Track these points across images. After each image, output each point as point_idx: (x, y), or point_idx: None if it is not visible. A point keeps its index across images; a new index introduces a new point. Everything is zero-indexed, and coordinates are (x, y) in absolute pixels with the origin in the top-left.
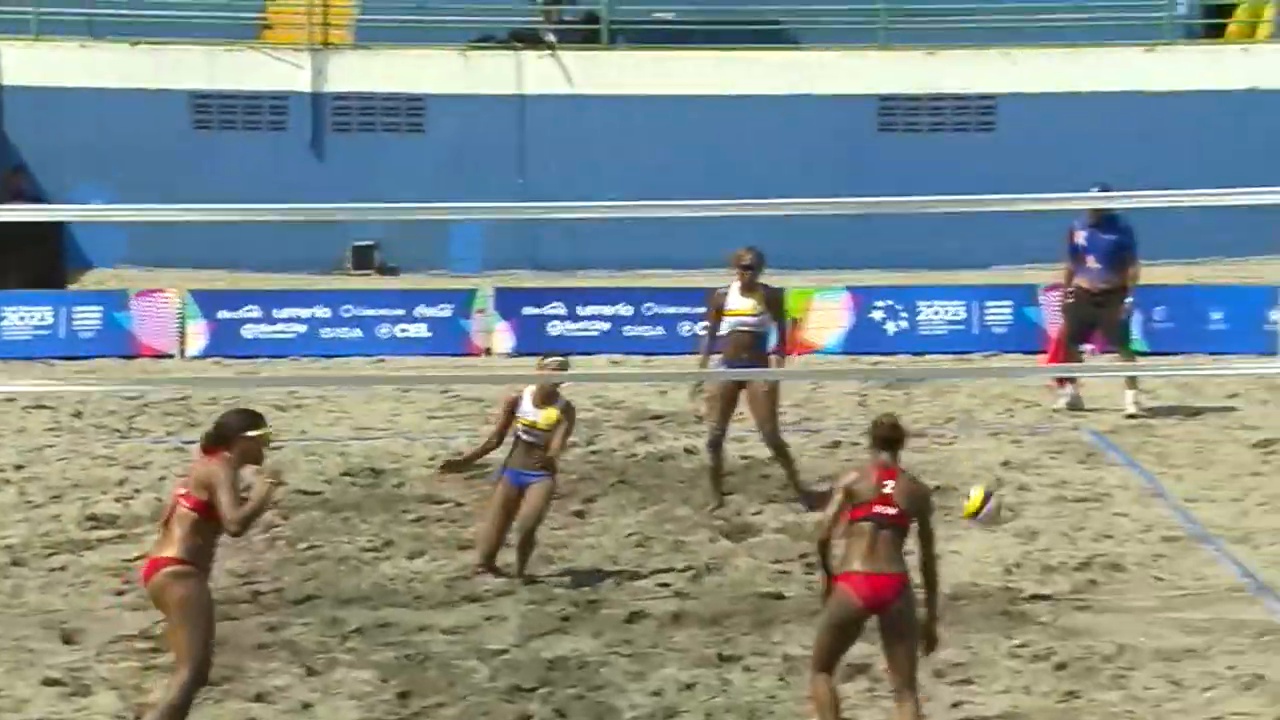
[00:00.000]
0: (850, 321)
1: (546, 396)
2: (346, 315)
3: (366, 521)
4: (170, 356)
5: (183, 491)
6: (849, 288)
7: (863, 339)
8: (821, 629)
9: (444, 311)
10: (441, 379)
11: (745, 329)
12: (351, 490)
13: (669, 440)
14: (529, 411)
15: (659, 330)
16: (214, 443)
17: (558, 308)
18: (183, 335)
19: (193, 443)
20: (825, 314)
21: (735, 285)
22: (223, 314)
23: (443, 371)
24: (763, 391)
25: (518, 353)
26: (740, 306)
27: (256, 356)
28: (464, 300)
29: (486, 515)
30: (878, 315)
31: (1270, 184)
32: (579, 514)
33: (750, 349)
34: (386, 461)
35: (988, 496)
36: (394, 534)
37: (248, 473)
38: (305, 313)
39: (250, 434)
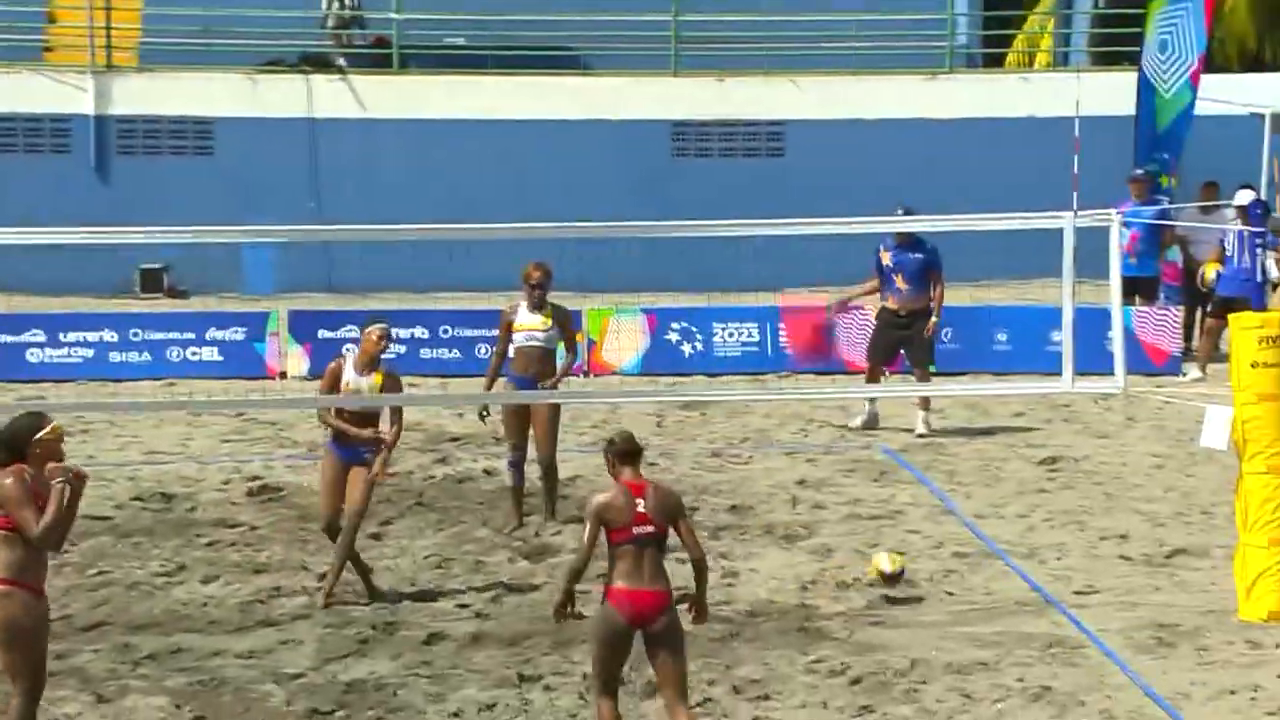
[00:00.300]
0: (647, 342)
1: (369, 364)
2: (135, 339)
3: (158, 546)
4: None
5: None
6: (645, 309)
7: (660, 359)
8: (593, 650)
9: (237, 335)
10: (235, 404)
11: (535, 344)
12: (142, 515)
13: (467, 462)
14: (353, 379)
15: (455, 352)
16: (5, 458)
17: (352, 330)
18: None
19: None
20: (623, 335)
21: (524, 303)
22: (4, 337)
23: (236, 395)
24: (546, 410)
25: (314, 375)
26: (529, 322)
27: (42, 380)
28: (258, 323)
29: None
30: (674, 337)
31: (1050, 208)
32: (376, 536)
33: (539, 363)
34: (178, 486)
35: (902, 571)
36: (187, 558)
37: (55, 470)
38: (93, 336)
39: (39, 436)
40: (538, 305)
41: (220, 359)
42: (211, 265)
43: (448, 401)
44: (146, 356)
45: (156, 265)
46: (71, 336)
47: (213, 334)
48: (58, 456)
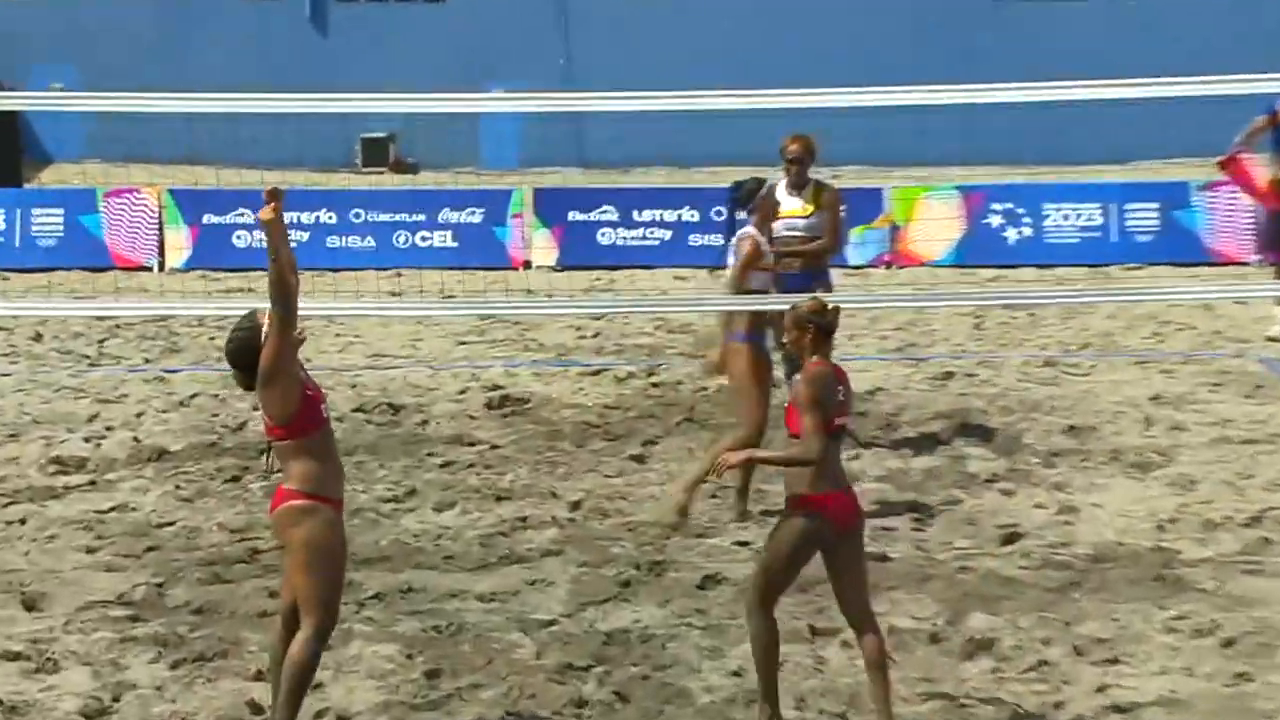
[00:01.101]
0: (964, 228)
1: (800, 179)
2: (356, 220)
3: (385, 467)
4: (148, 269)
5: (263, 424)
6: (961, 187)
7: (979, 248)
8: (781, 568)
9: (474, 217)
10: (473, 304)
11: (794, 234)
12: (366, 429)
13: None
14: (785, 200)
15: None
16: (247, 381)
17: (609, 212)
18: (162, 243)
19: (176, 371)
20: (935, 219)
21: (781, 183)
22: (209, 218)
23: (473, 289)
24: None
25: (563, 266)
26: (788, 207)
27: (249, 269)
28: (499, 203)
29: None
30: (996, 220)
31: None
32: (639, 458)
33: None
34: (407, 395)
35: None
36: (418, 481)
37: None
38: (308, 217)
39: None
40: (798, 185)
41: (454, 245)
42: (444, 135)
43: (704, 307)
44: (369, 242)
45: (380, 134)
46: (287, 216)
47: (446, 216)
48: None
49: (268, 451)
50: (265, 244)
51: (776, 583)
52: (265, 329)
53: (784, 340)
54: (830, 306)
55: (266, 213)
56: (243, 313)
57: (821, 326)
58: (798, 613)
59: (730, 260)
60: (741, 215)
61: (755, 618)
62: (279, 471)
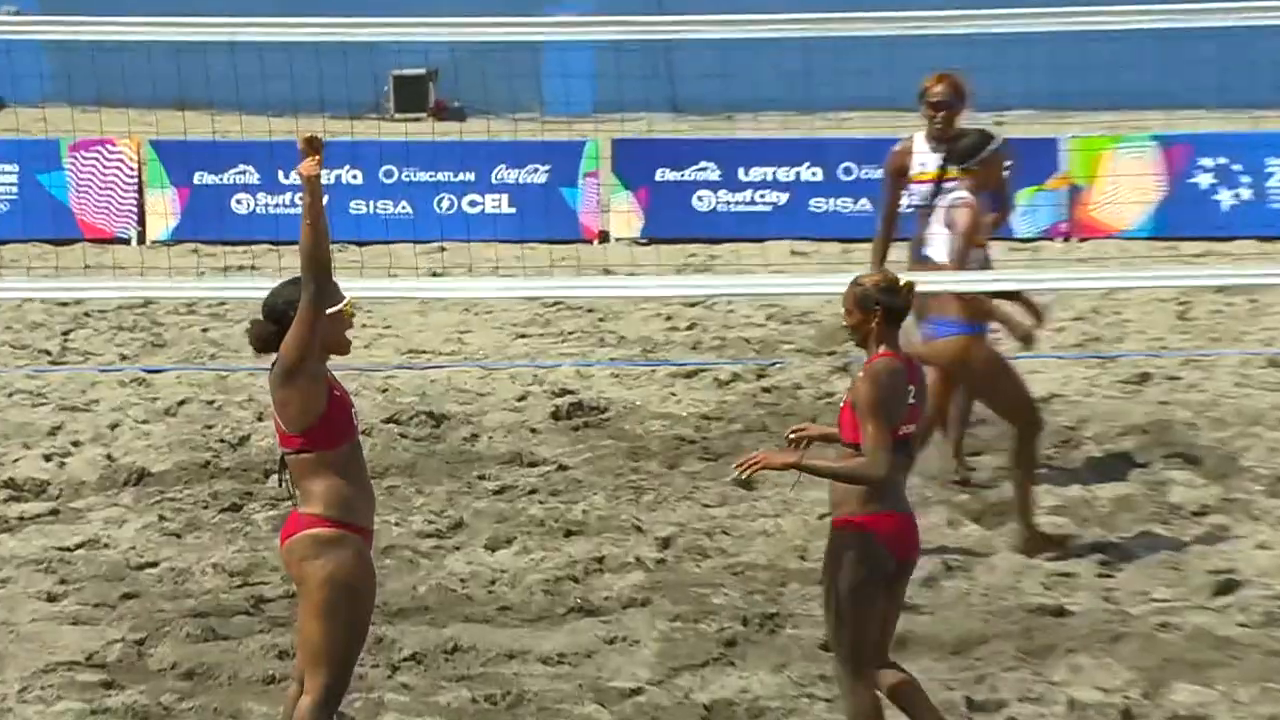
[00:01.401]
0: (1164, 189)
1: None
2: (388, 180)
3: (425, 493)
4: (124, 241)
5: (278, 435)
6: (1160, 137)
7: (1183, 214)
8: (855, 610)
9: (537, 176)
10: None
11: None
12: (400, 446)
13: None
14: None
15: (861, 203)
16: (266, 341)
17: (708, 170)
18: (142, 209)
19: (160, 371)
20: (1125, 179)
21: (922, 134)
22: (202, 177)
23: (536, 264)
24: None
25: (649, 238)
26: (929, 166)
27: (253, 242)
28: (569, 158)
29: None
30: (1205, 180)
31: None
32: (746, 483)
33: None
34: (452, 402)
35: None
36: (466, 512)
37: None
38: (326, 177)
39: (335, 308)
40: (943, 138)
41: (512, 211)
42: (498, 71)
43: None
44: (405, 208)
45: (417, 71)
46: (294, 177)
47: (501, 175)
48: (343, 346)
49: (281, 469)
50: (301, 206)
51: (861, 641)
52: (337, 310)
53: (843, 323)
54: (904, 283)
55: (311, 166)
56: (247, 296)
57: (891, 308)
58: (951, 680)
59: (937, 232)
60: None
61: (853, 696)
62: (291, 498)
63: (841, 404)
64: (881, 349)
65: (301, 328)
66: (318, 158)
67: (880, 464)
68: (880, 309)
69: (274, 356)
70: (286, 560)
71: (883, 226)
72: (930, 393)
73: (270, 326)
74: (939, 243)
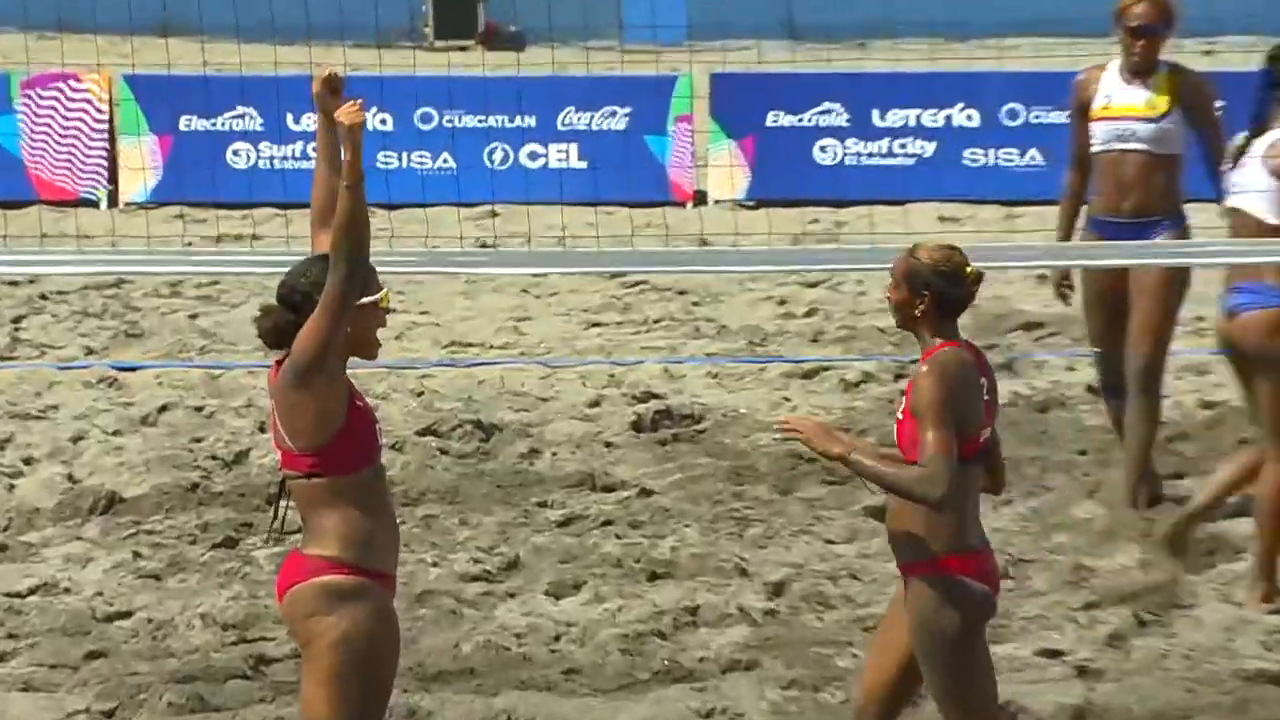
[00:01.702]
0: None
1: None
2: (425, 127)
3: (470, 525)
4: (91, 204)
5: (279, 452)
6: None
7: None
8: (964, 675)
9: (614, 120)
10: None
11: (1137, 147)
12: (440, 464)
13: (1055, 372)
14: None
15: (1030, 155)
16: (281, 334)
17: (833, 112)
18: (113, 163)
19: (135, 368)
20: None
21: (1116, 64)
22: (190, 122)
23: (613, 233)
24: (1155, 277)
25: (757, 200)
26: (1125, 101)
27: (252, 205)
28: (654, 99)
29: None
30: None
31: None
32: (881, 512)
33: (1144, 184)
34: (506, 409)
35: None
36: (523, 549)
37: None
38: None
39: (370, 300)
40: (1141, 70)
41: (582, 165)
42: None
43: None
44: (447, 161)
45: None
46: (306, 123)
47: (569, 119)
48: (370, 346)
49: (281, 496)
50: (315, 158)
51: (986, 705)
52: (371, 301)
53: (887, 295)
54: (971, 270)
55: (353, 111)
56: (246, 273)
57: (944, 297)
58: None
59: (1251, 182)
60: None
61: None
62: (297, 531)
63: (899, 413)
64: (937, 340)
65: (325, 318)
66: (359, 101)
67: (941, 479)
68: (930, 295)
69: (282, 353)
70: (288, 615)
71: (1072, 179)
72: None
73: (287, 315)
74: (1254, 196)
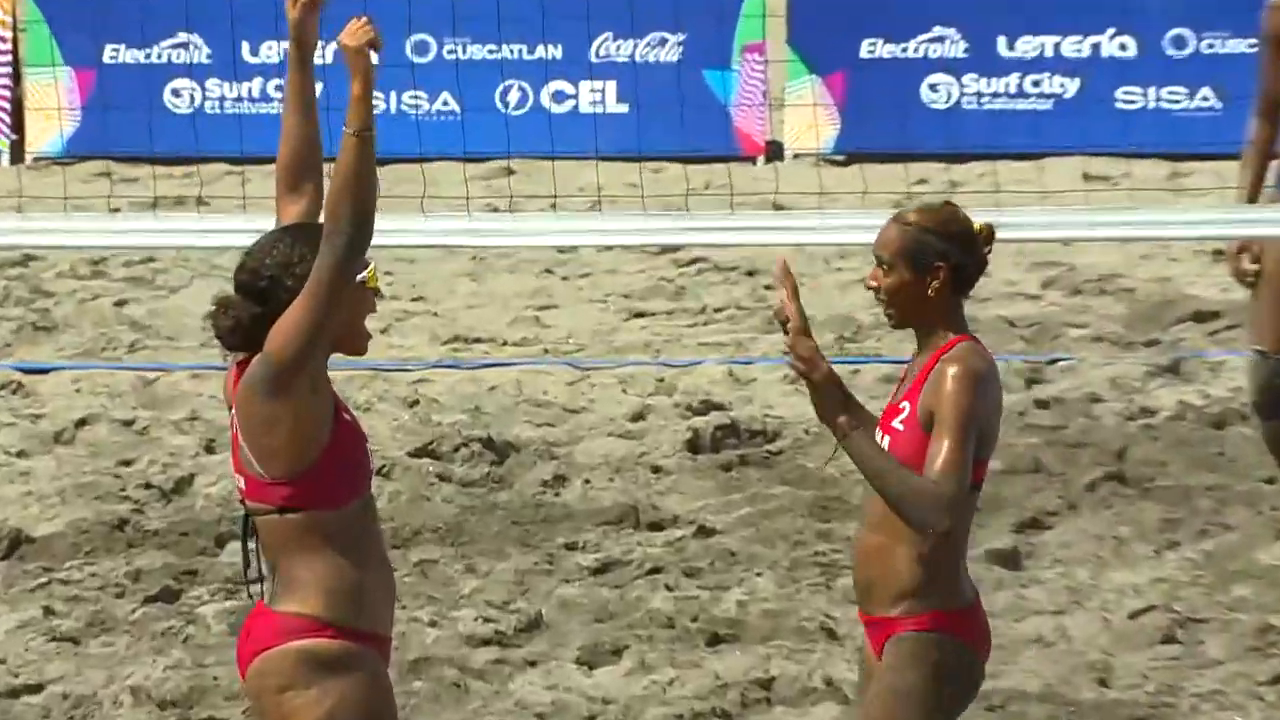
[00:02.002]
0: None
1: None
2: (422, 58)
3: (479, 570)
4: None
5: (241, 479)
6: None
7: None
8: None
9: (665, 50)
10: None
11: None
12: (442, 492)
13: (1236, 376)
14: None
15: (1203, 95)
16: (247, 332)
17: (947, 40)
18: (18, 105)
19: (47, 370)
20: None
21: None
22: (118, 52)
23: (661, 192)
24: None
25: (846, 153)
26: None
27: (198, 160)
28: (715, 25)
29: None
30: None
31: None
32: (1006, 556)
33: None
34: (526, 422)
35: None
36: (547, 603)
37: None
38: (323, 49)
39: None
40: None
41: (623, 109)
42: None
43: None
44: (447, 103)
45: None
46: (267, 53)
47: (607, 48)
48: (361, 339)
49: (246, 536)
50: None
51: None
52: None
53: (870, 283)
54: (981, 226)
55: (359, 30)
56: (190, 248)
57: (963, 268)
58: None
59: None
60: None
61: None
62: (260, 579)
63: (899, 421)
64: (951, 335)
65: (315, 304)
66: (365, 18)
67: (953, 504)
68: (946, 268)
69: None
70: (254, 689)
71: (1259, 127)
72: None
73: (252, 308)
74: None
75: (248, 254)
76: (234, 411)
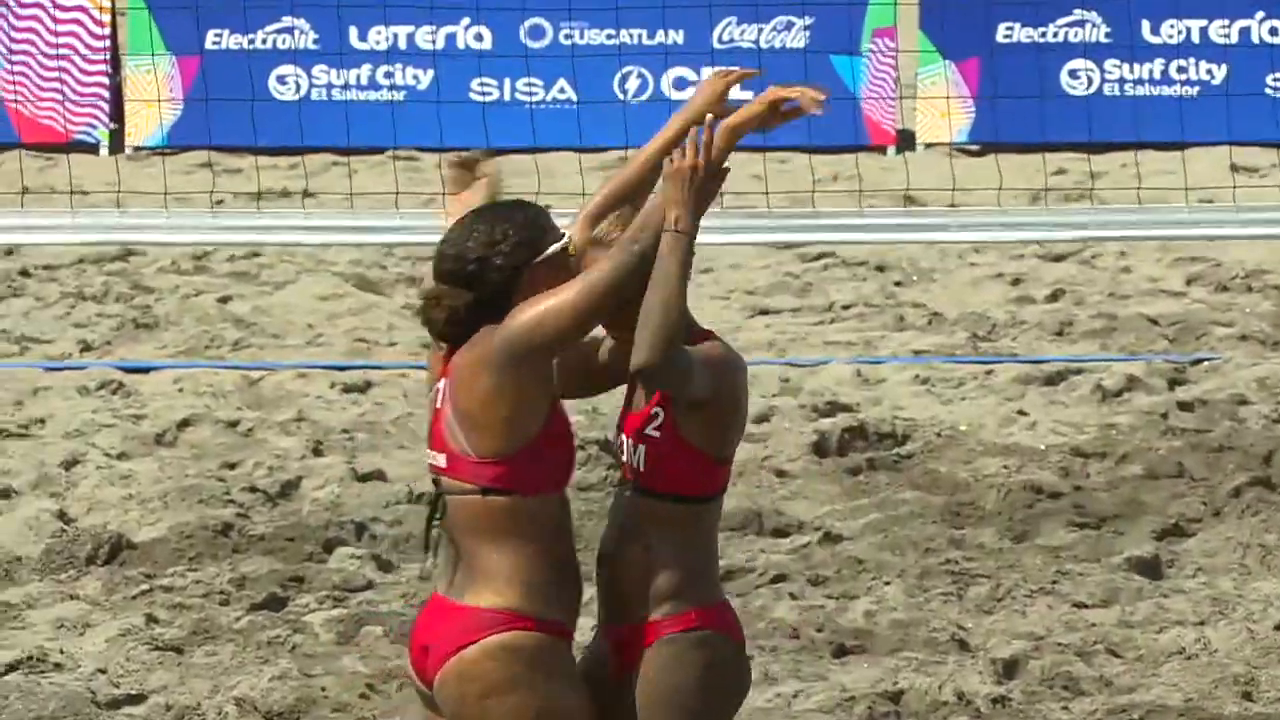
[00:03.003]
0: None
1: None
2: (536, 42)
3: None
4: (88, 147)
5: (441, 456)
6: None
7: None
8: None
9: (791, 35)
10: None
11: None
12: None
13: None
14: None
15: None
16: (463, 321)
17: (1089, 25)
18: (118, 95)
19: (149, 369)
20: None
21: None
22: (222, 37)
23: (786, 188)
24: None
25: (981, 143)
26: None
27: (305, 150)
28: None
29: None
30: None
31: None
32: (1147, 564)
33: None
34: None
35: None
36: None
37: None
38: (426, 36)
39: (545, 256)
40: None
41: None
42: None
43: None
44: (563, 91)
45: None
46: (375, 39)
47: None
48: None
49: (435, 512)
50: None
51: None
52: (560, 249)
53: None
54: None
55: (724, 82)
56: (296, 245)
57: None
58: None
59: None
60: None
61: None
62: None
63: (655, 415)
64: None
65: (589, 298)
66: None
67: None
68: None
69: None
70: (454, 694)
71: None
72: None
73: (464, 295)
74: None
75: (444, 244)
76: (444, 386)
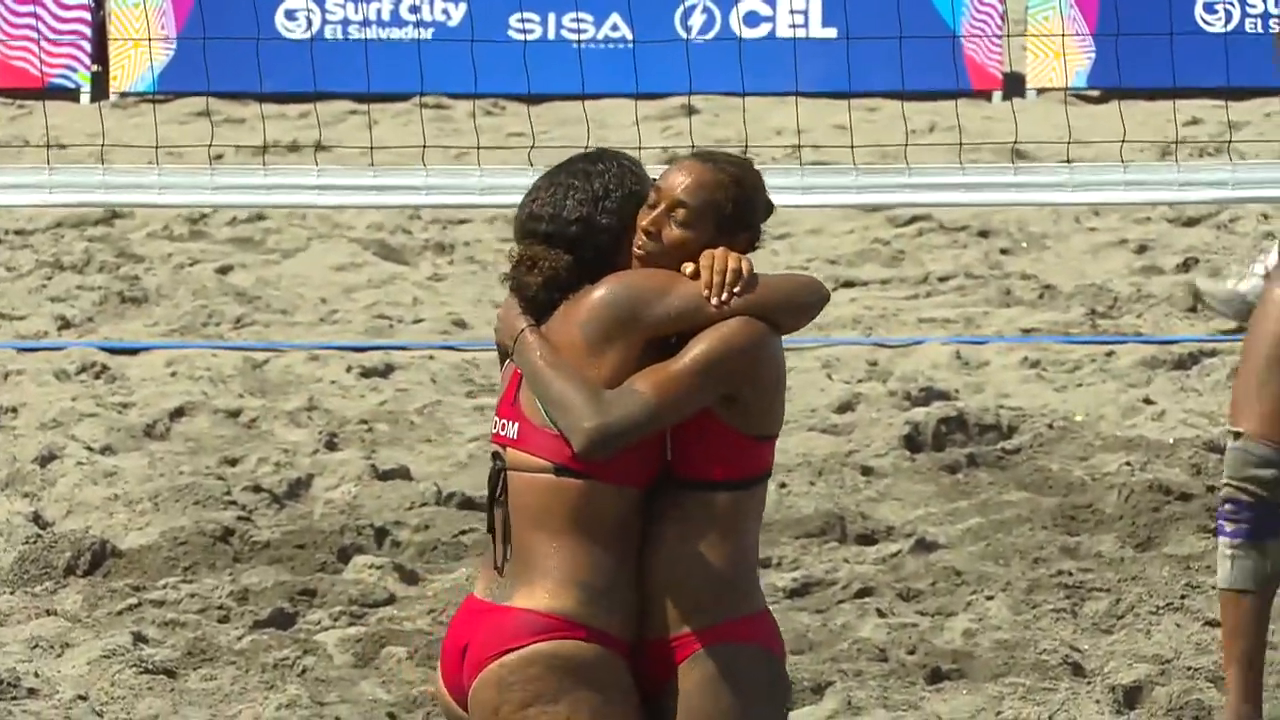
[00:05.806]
0: None
1: None
2: None
3: None
4: (67, 93)
5: (514, 425)
6: None
7: None
8: None
9: None
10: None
11: None
12: None
13: None
14: None
15: None
16: (563, 281)
17: None
18: (101, 34)
19: (136, 350)
20: None
21: None
22: None
23: (871, 140)
24: None
25: (1101, 90)
26: None
27: (317, 97)
28: None
29: None
30: None
31: None
32: None
33: None
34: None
35: None
36: None
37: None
38: None
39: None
40: None
41: (828, 33)
42: None
43: None
44: (616, 28)
45: None
46: None
47: None
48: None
49: (496, 493)
50: None
51: None
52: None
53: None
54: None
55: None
56: (309, 206)
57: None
58: None
59: None
60: None
61: None
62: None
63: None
64: None
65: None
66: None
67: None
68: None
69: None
70: (489, 702)
71: None
72: None
73: (564, 256)
74: None
75: (535, 204)
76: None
